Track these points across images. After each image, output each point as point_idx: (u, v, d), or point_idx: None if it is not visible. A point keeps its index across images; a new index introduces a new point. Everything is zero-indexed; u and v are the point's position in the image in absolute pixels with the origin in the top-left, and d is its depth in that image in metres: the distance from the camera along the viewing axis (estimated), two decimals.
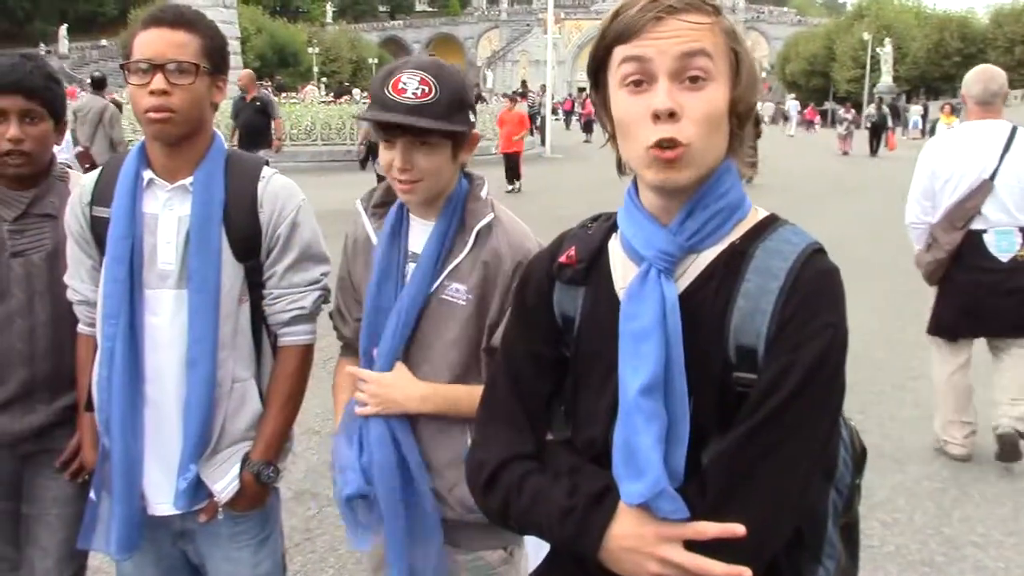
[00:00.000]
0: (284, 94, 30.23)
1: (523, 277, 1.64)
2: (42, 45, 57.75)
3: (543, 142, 29.37)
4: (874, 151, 31.35)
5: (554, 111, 38.65)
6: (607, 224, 1.53)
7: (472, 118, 2.11)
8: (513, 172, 19.03)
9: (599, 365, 1.46)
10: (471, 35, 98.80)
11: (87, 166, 10.63)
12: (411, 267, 2.13)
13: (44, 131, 2.37)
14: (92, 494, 2.26)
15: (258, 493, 2.24)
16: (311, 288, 2.27)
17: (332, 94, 38.03)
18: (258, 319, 2.24)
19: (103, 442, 2.20)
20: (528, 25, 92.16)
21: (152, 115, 2.05)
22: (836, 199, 18.13)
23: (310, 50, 62.51)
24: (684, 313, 1.33)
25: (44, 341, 2.36)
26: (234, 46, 26.30)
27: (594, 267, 1.49)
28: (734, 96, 1.35)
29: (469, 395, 2.01)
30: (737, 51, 1.36)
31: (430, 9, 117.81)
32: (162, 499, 2.19)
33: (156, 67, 2.04)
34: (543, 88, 32.50)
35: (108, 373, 2.14)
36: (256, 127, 12.90)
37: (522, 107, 24.36)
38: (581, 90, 74.02)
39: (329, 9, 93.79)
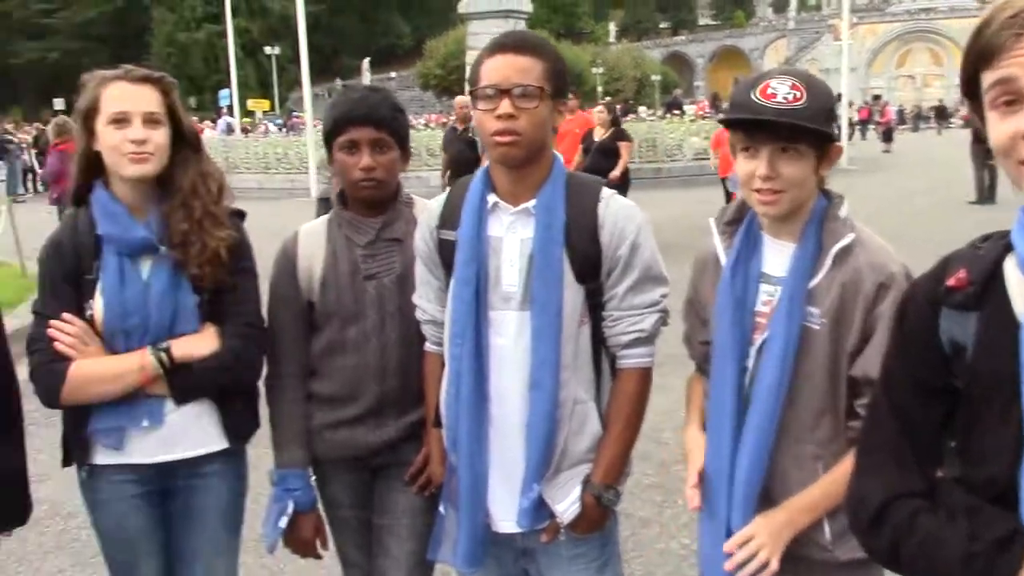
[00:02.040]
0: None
1: (903, 303, 1.54)
2: (337, 80, 62.73)
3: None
4: None
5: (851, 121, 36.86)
6: (1001, 243, 1.41)
7: (836, 130, 2.03)
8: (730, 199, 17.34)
9: (999, 396, 1.32)
10: (756, 46, 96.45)
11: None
12: (763, 288, 2.07)
13: (392, 159, 2.50)
14: (441, 508, 2.35)
15: (599, 516, 2.23)
16: (651, 310, 2.24)
17: (619, 112, 38.42)
18: (597, 341, 2.24)
19: (450, 458, 2.28)
20: (817, 32, 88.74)
21: (499, 139, 2.12)
22: None
23: (594, 70, 63.58)
24: None
25: (395, 359, 2.49)
26: None
27: (988, 290, 1.38)
28: None
29: (825, 492, 1.98)
30: None
31: (713, 23, 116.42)
32: (506, 516, 2.24)
33: (502, 92, 2.10)
34: (838, 97, 31.11)
35: (456, 392, 2.22)
36: (468, 161, 11.33)
37: None
38: (876, 97, 70.20)
39: (612, 29, 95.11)
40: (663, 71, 75.49)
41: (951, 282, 1.41)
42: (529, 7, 27.29)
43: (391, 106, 2.52)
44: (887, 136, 36.25)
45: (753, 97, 1.95)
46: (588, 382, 2.23)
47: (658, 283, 2.25)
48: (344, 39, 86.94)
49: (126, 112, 2.30)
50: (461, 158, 11.81)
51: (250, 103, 47.31)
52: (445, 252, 2.29)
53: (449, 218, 2.29)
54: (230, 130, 37.00)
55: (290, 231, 2.65)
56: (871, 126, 45.21)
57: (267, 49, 61.64)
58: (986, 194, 16.98)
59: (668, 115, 30.55)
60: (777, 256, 2.06)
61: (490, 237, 2.22)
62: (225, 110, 42.03)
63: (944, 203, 16.20)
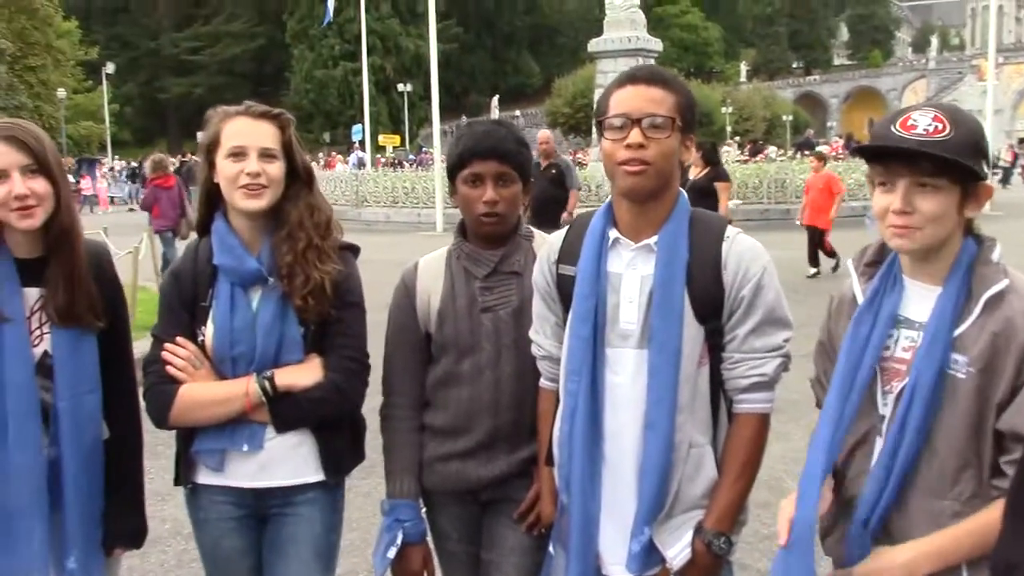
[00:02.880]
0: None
1: None
2: (464, 117, 64.02)
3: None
4: None
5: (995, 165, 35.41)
6: None
7: (986, 169, 1.91)
8: (816, 250, 14.29)
9: None
10: (894, 87, 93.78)
11: None
12: (904, 334, 1.96)
13: (515, 193, 2.49)
14: (550, 548, 2.30)
15: (710, 563, 2.15)
16: (773, 354, 2.16)
17: (748, 152, 37.87)
18: (716, 383, 2.17)
19: (561, 498, 2.24)
20: (960, 73, 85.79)
21: (627, 168, 2.09)
22: None
23: (724, 110, 63.02)
24: None
25: (508, 393, 2.46)
26: None
27: None
28: None
29: (957, 542, 1.85)
30: None
31: (848, 62, 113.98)
32: (616, 560, 2.17)
33: (633, 121, 2.08)
34: None
35: (570, 430, 2.18)
36: (549, 199, 10.55)
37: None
38: (1022, 141, 67.21)
39: (743, 68, 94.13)
40: (794, 111, 74.23)
41: None
42: (659, 46, 27.27)
43: (515, 140, 2.51)
44: (1006, 178, 34.64)
45: (893, 129, 1.87)
46: (705, 425, 2.16)
47: (781, 327, 2.17)
48: (474, 77, 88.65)
49: (243, 146, 2.37)
50: (543, 196, 10.44)
51: (381, 138, 48.62)
52: (564, 287, 2.26)
53: (569, 253, 2.26)
54: (361, 164, 38.05)
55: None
56: (1016, 170, 43.29)
57: (400, 87, 63.50)
58: None
59: (799, 155, 29.89)
60: (920, 300, 1.96)
61: (610, 273, 2.18)
62: (357, 145, 43.27)
63: None
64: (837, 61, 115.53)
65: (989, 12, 29.64)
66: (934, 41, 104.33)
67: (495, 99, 75.25)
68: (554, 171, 11.02)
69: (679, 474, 2.11)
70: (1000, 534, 1.40)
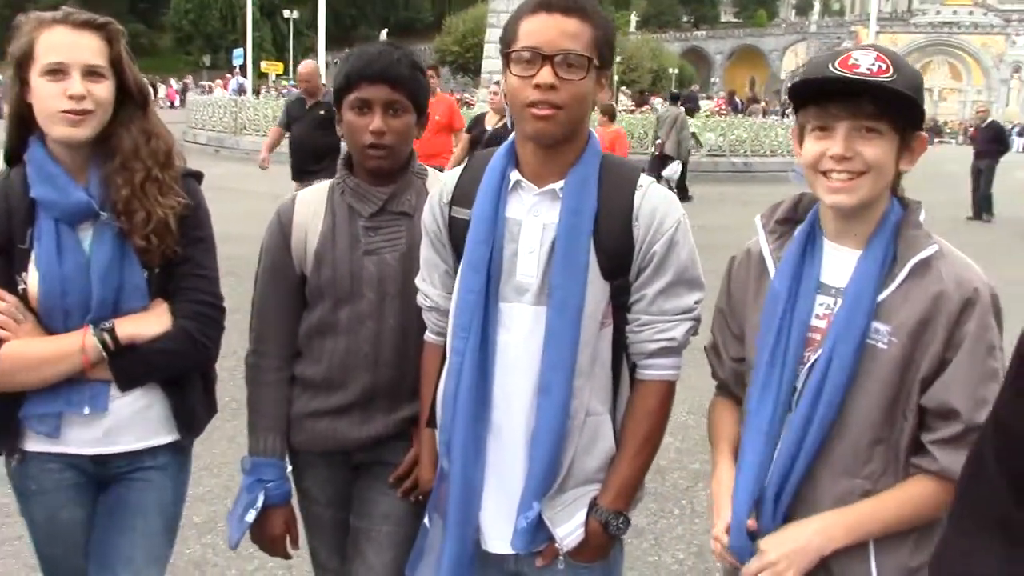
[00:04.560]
0: None
1: None
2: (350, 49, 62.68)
3: None
4: None
5: None
6: None
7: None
8: None
9: None
10: (776, 47, 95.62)
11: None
12: (819, 300, 1.80)
13: (407, 124, 2.23)
14: (426, 519, 2.09)
15: (604, 543, 1.98)
16: (683, 317, 1.97)
17: (634, 103, 38.08)
18: (619, 346, 1.97)
19: (442, 463, 2.03)
20: (839, 38, 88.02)
21: (535, 111, 1.84)
22: None
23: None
24: None
25: (390, 347, 2.23)
26: None
27: None
28: None
29: (875, 513, 1.73)
30: None
31: (735, 20, 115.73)
32: (499, 535, 1.98)
33: (544, 58, 1.82)
34: None
35: (454, 390, 1.96)
36: (313, 146, 8.78)
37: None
38: None
39: (633, 19, 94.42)
40: (681, 65, 74.87)
41: None
42: None
43: (410, 64, 2.23)
44: None
45: (832, 68, 1.69)
46: (604, 392, 1.96)
47: (693, 287, 1.98)
48: (363, 9, 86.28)
49: (64, 63, 2.01)
50: (305, 142, 8.96)
51: (264, 65, 46.86)
52: (456, 232, 2.02)
53: (464, 194, 2.02)
54: (242, 90, 36.63)
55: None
56: None
57: (285, 12, 61.15)
58: (981, 211, 17.03)
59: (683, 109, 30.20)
60: (839, 264, 1.80)
61: (508, 219, 1.95)
62: (238, 70, 41.67)
63: (941, 221, 15.85)
64: (724, 18, 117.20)
65: None
66: (816, 6, 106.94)
67: (384, 33, 73.53)
68: (322, 112, 8.81)
69: (574, 445, 1.92)
70: (943, 541, 1.23)
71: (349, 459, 2.32)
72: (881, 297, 1.73)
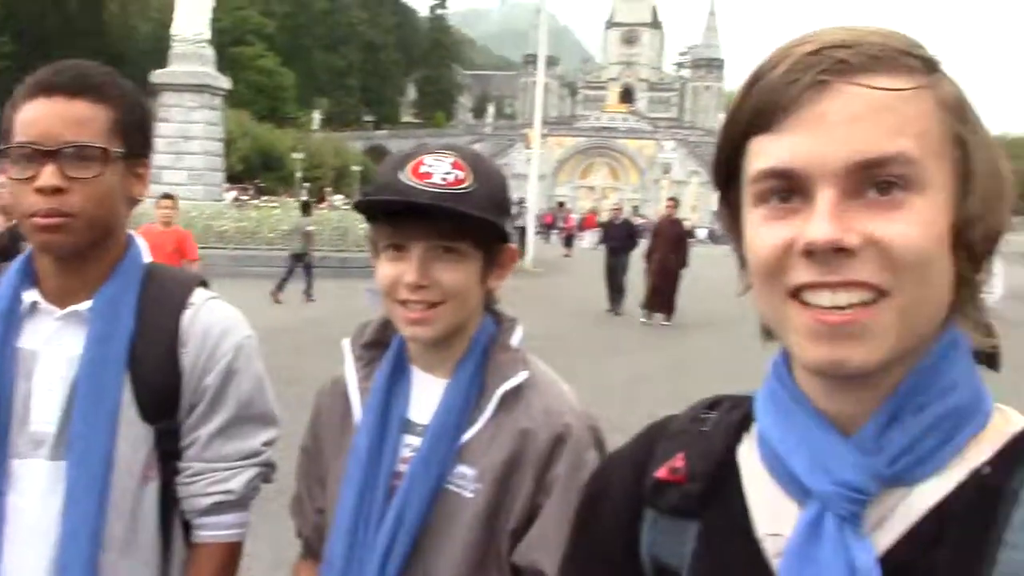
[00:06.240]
0: (264, 197, 30.01)
1: (591, 492, 1.05)
2: None
3: (522, 256, 29.11)
4: None
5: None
6: (735, 417, 0.95)
7: (511, 229, 1.58)
8: None
9: None
10: None
11: None
12: (408, 441, 1.51)
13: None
14: None
15: None
16: (246, 463, 1.65)
17: (316, 199, 38.15)
18: (170, 503, 1.62)
19: None
20: (511, 140, 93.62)
21: (40, 221, 1.46)
22: None
23: (295, 155, 63.00)
24: None
25: None
26: (219, 148, 26.03)
27: (717, 489, 0.91)
28: (962, 216, 0.79)
29: None
30: (965, 138, 0.79)
31: (415, 121, 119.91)
32: None
33: (45, 154, 1.45)
34: (521, 201, 32.64)
35: None
36: None
37: None
38: (561, 204, 74.97)
39: (316, 116, 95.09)
40: (364, 162, 76.21)
41: (661, 472, 0.94)
42: (227, 83, 26.44)
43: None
44: (568, 242, 38.48)
45: (401, 176, 1.42)
46: (152, 563, 1.59)
47: (261, 425, 1.67)
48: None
49: None
50: None
51: None
52: None
53: None
54: None
55: None
56: (554, 231, 47.94)
57: None
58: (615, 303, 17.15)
59: None
60: (428, 397, 1.53)
61: (20, 350, 1.55)
62: None
63: (585, 312, 16.59)
64: (405, 118, 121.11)
65: (536, 88, 32.45)
66: (491, 109, 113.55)
67: None
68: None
69: None
70: None
71: None
72: (467, 436, 1.47)
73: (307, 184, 59.59)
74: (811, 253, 0.75)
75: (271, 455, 1.69)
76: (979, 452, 0.81)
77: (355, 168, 71.28)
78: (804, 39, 0.79)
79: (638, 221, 24.48)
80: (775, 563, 0.84)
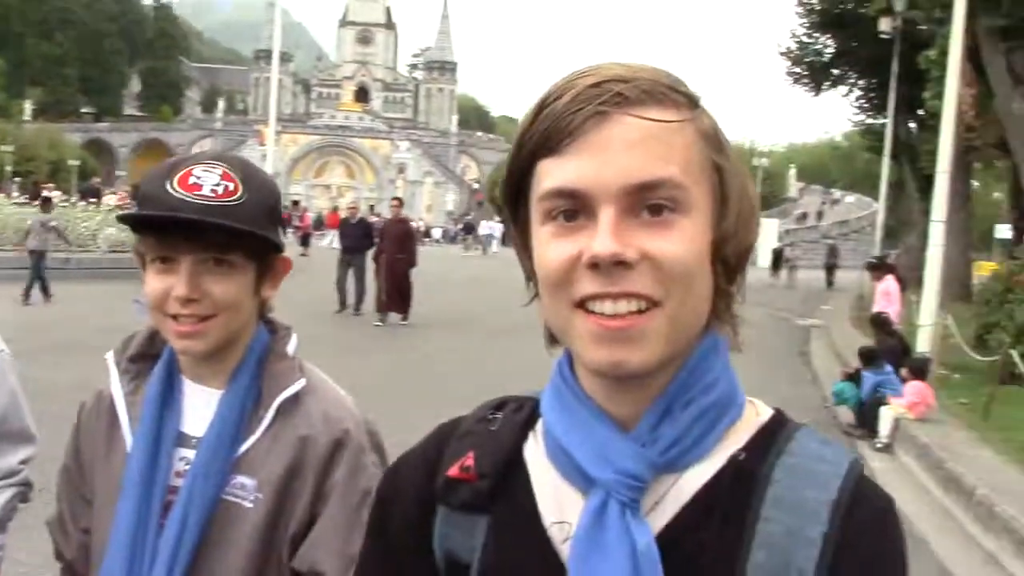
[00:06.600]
0: None
1: (383, 494, 1.08)
2: None
3: None
4: None
5: None
6: (521, 417, 1.02)
7: (283, 239, 1.56)
8: None
9: None
10: (182, 142, 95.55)
11: None
12: (182, 454, 1.49)
13: None
14: None
15: None
16: (2, 484, 1.67)
17: (28, 196, 35.70)
18: None
19: None
20: (244, 136, 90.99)
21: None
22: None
23: (2, 147, 58.50)
24: (668, 570, 0.87)
25: None
26: None
27: (505, 485, 0.98)
28: (720, 234, 0.90)
29: None
30: (721, 165, 0.91)
31: (139, 114, 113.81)
32: None
33: None
34: None
35: None
36: None
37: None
38: (295, 203, 73.73)
39: (28, 107, 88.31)
40: (82, 156, 71.84)
41: (452, 471, 0.99)
42: None
43: None
44: (305, 241, 38.24)
45: (169, 188, 1.40)
46: None
47: (16, 442, 1.69)
48: None
49: None
50: None
51: None
52: None
53: None
54: None
55: None
56: (290, 230, 47.36)
57: None
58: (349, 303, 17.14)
59: (84, 203, 28.98)
60: (202, 408, 1.51)
61: None
62: None
63: (324, 314, 16.27)
64: (129, 111, 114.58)
65: (270, 84, 32.03)
66: (221, 104, 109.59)
67: None
68: None
69: None
70: None
71: None
72: (245, 447, 1.47)
73: (17, 179, 55.52)
74: (596, 266, 0.83)
75: (27, 474, 1.71)
76: (736, 440, 0.92)
77: (73, 162, 67.08)
78: (586, 72, 0.88)
79: (374, 220, 24.89)
80: (562, 548, 0.91)
